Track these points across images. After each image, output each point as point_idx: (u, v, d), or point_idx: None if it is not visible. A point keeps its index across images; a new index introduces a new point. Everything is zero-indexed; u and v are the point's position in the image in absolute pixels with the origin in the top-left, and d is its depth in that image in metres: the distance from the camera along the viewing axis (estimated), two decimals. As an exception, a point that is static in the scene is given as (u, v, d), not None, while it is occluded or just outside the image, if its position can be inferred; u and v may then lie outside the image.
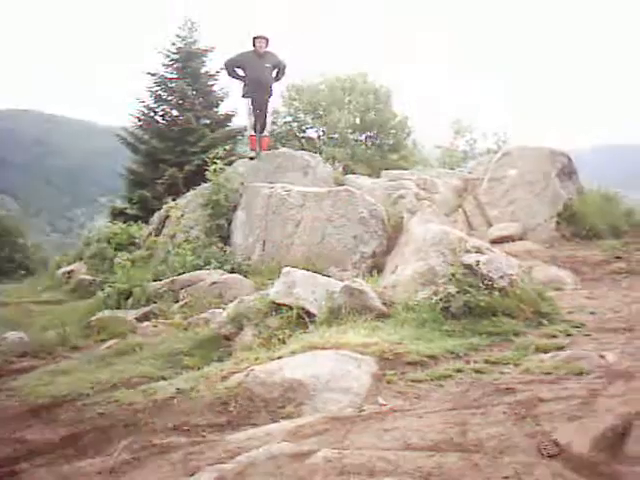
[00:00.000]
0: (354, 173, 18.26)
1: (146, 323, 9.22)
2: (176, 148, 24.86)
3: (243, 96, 14.45)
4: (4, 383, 6.88)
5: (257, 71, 14.17)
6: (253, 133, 14.56)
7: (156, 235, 14.34)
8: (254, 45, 14.24)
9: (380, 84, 37.97)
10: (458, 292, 6.65)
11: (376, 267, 9.94)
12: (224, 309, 8.54)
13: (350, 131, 36.05)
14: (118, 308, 10.35)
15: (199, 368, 6.57)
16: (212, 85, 27.27)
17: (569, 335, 6.25)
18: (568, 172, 12.93)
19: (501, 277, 6.95)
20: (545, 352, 5.60)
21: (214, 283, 10.13)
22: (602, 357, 5.13)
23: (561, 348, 5.70)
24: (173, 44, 26.89)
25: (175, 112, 26.58)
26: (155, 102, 26.74)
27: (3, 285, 18.47)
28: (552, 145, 13.73)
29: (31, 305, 12.24)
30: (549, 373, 4.93)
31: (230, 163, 14.75)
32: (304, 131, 38.03)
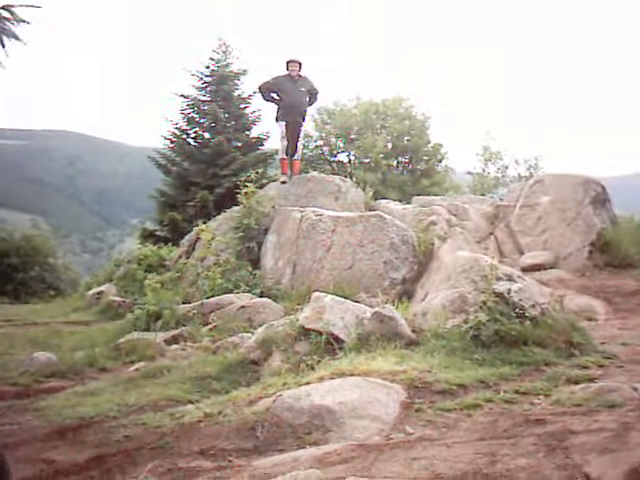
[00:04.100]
0: (384, 198, 18.16)
1: (175, 346, 9.23)
2: (207, 170, 24.91)
3: (277, 120, 14.42)
4: (32, 403, 6.93)
5: (292, 95, 14.13)
6: (285, 157, 14.48)
7: (186, 257, 14.37)
8: (287, 69, 14.25)
9: (417, 110, 38.08)
10: (489, 320, 6.59)
11: (406, 293, 9.90)
12: (253, 333, 8.53)
13: (382, 156, 36.02)
14: (147, 330, 10.34)
15: (227, 392, 6.58)
16: (244, 108, 27.33)
17: (601, 366, 6.16)
18: (602, 200, 12.73)
19: (533, 306, 6.89)
20: (576, 383, 5.53)
21: (243, 307, 10.12)
22: (635, 389, 5.05)
23: (593, 379, 5.64)
24: (207, 67, 27.05)
25: (207, 135, 26.68)
26: (187, 124, 26.89)
27: (33, 305, 18.55)
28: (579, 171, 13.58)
29: (60, 326, 12.25)
30: (580, 405, 4.87)
31: (261, 186, 14.77)
32: (335, 155, 38.15)
